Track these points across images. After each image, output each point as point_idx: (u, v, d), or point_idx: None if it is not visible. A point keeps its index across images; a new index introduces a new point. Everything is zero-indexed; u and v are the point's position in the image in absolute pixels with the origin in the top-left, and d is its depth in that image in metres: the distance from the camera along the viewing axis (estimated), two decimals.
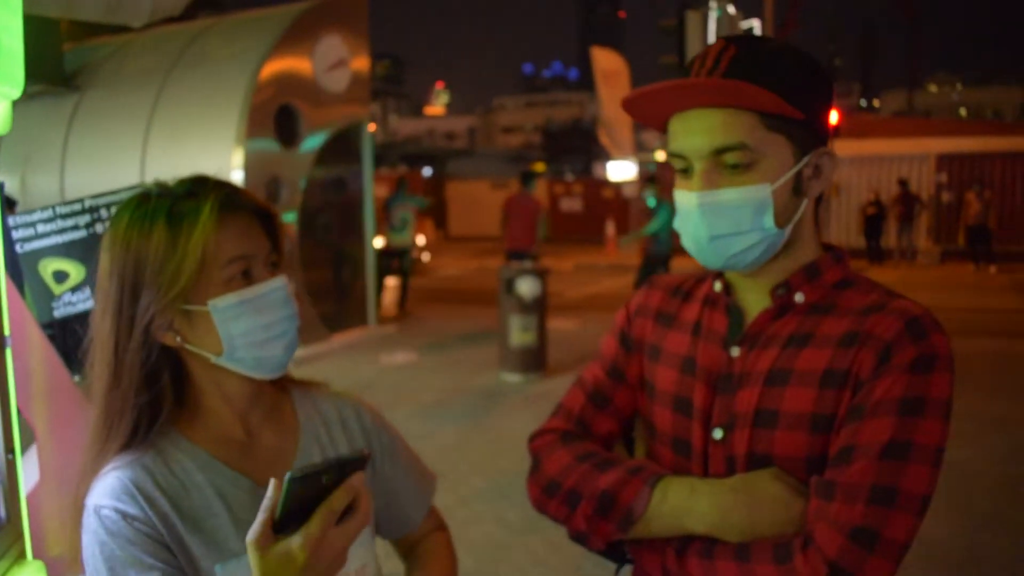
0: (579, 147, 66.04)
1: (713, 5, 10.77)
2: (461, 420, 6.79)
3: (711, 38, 11.05)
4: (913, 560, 4.70)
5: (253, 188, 8.87)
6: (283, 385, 1.37)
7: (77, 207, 1.90)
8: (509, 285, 8.12)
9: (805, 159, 1.19)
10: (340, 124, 10.24)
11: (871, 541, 1.05)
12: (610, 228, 22.87)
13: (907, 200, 18.48)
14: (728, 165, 1.16)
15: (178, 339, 1.18)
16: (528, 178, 10.83)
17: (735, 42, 1.19)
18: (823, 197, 1.26)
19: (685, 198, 1.20)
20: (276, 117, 9.22)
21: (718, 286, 1.30)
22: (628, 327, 1.41)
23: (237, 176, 8.66)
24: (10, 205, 3.16)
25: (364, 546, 1.31)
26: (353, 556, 1.25)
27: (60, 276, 1.90)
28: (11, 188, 8.26)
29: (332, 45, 9.93)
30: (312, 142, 9.71)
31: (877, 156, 20.43)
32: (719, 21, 10.98)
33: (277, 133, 9.25)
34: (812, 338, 1.18)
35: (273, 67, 9.17)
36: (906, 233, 18.77)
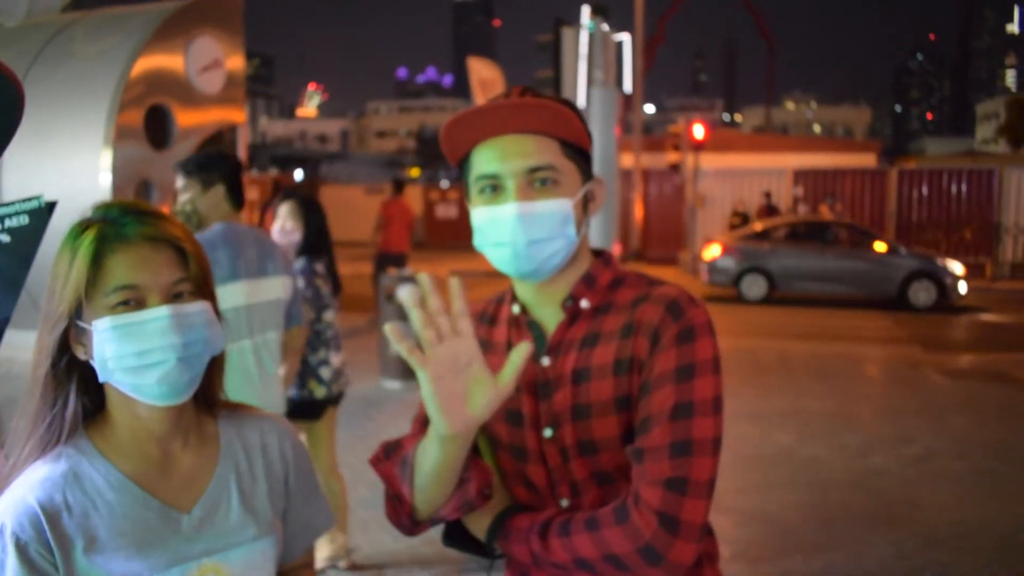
0: None
1: (585, 21, 11.05)
2: (343, 428, 6.75)
3: (583, 52, 11.34)
4: (775, 547, 4.99)
5: (122, 191, 8.44)
6: (211, 408, 1.40)
7: None
8: (390, 293, 8.14)
9: (588, 184, 1.45)
10: (214, 126, 9.98)
11: (683, 486, 1.26)
12: None
13: (770, 211, 19.61)
14: (538, 183, 1.37)
15: (84, 354, 1.23)
16: (400, 185, 12.07)
17: (530, 90, 1.41)
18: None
19: (498, 211, 1.37)
20: (147, 118, 8.92)
21: (516, 309, 1.47)
22: None
23: (105, 179, 8.34)
24: None
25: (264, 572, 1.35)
26: None
27: None
28: None
29: (206, 45, 9.67)
30: (184, 145, 9.43)
31: (740, 170, 21.47)
32: (592, 36, 11.28)
33: (148, 135, 8.95)
34: (600, 336, 1.39)
35: (144, 65, 8.86)
36: None
